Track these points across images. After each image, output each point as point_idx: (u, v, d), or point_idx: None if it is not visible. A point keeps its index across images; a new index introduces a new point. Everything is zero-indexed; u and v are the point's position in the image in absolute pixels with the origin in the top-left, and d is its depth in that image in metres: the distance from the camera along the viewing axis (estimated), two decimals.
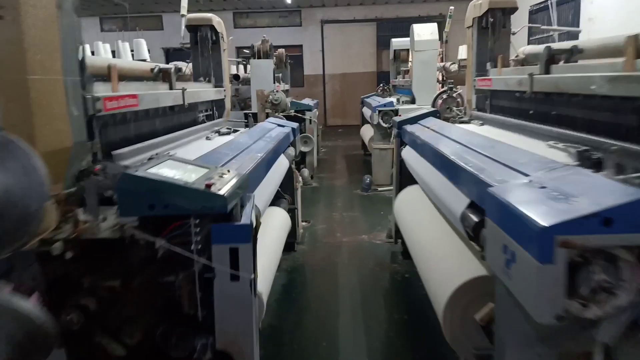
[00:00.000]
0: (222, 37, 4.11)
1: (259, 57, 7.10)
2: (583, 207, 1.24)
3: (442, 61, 8.39)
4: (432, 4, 14.43)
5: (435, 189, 2.52)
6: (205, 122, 3.74)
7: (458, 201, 2.05)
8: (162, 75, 2.93)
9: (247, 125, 4.46)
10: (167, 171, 1.64)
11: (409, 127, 3.66)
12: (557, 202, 1.32)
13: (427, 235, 2.71)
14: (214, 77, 4.09)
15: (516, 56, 3.87)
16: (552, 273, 1.21)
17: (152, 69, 2.98)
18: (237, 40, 12.99)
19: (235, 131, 3.93)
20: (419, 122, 3.76)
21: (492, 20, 3.65)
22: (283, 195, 3.98)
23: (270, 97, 5.94)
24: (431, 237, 2.65)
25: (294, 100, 7.61)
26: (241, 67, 8.75)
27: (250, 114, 5.25)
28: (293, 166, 4.15)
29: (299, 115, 6.72)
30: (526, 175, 1.65)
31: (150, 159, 2.06)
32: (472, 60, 3.87)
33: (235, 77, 7.43)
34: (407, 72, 8.89)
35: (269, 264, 2.78)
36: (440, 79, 8.20)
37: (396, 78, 9.29)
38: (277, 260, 3.03)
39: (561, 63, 2.70)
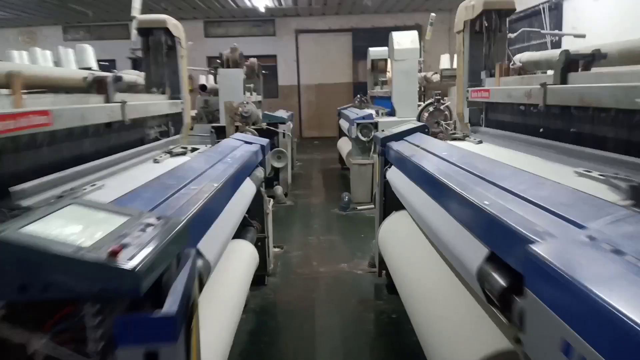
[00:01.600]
0: (180, 42, 3.58)
1: (228, 67, 6.59)
2: None
3: (420, 71, 7.99)
4: (409, 14, 14.13)
5: (434, 226, 2.03)
6: (157, 141, 3.19)
7: (471, 249, 1.56)
8: (97, 86, 2.38)
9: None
10: (59, 225, 1.11)
11: (394, 145, 3.18)
12: None
13: (424, 281, 2.20)
14: (170, 87, 3.54)
15: (512, 64, 3.44)
16: None
17: (84, 78, 2.43)
18: (208, 50, 12.49)
19: (194, 149, 3.40)
20: (405, 138, 3.30)
21: (486, 23, 3.22)
22: (251, 223, 3.46)
23: (240, 109, 5.43)
24: (429, 284, 2.15)
25: (266, 112, 7.12)
26: (211, 77, 8.24)
27: (212, 129, 4.72)
28: (262, 189, 3.63)
29: (272, 128, 6.24)
30: (579, 226, 1.16)
31: (51, 203, 1.51)
32: (464, 69, 3.42)
33: (202, 87, 6.91)
34: (385, 82, 8.48)
35: (230, 315, 2.25)
36: (419, 89, 7.80)
37: (374, 89, 8.87)
38: (241, 306, 2.49)
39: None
